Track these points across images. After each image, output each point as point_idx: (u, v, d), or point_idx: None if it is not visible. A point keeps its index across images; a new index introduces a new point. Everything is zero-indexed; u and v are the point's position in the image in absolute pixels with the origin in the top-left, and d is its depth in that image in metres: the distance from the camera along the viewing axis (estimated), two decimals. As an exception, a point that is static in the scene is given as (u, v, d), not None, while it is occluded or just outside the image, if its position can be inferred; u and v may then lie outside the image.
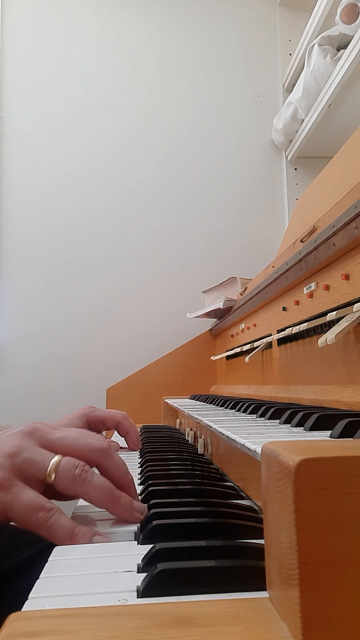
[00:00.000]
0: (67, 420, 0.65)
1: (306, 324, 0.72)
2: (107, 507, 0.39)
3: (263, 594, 0.25)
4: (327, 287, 0.71)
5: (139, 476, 0.57)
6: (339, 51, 1.46)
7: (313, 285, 0.75)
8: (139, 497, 0.46)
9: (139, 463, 0.65)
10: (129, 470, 0.43)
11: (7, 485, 0.36)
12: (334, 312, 0.62)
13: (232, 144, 1.95)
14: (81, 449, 0.41)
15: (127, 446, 0.76)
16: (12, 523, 0.38)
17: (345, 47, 1.38)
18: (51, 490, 0.39)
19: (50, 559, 0.33)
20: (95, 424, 0.70)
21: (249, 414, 0.67)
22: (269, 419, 0.58)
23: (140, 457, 0.70)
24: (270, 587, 0.24)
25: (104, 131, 1.91)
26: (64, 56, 1.93)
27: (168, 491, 0.46)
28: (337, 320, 0.62)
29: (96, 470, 0.42)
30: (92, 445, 0.41)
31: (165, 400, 1.35)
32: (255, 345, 1.02)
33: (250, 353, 1.04)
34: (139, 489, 0.51)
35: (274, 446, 0.23)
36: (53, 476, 0.38)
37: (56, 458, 0.39)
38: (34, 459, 0.39)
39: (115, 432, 0.75)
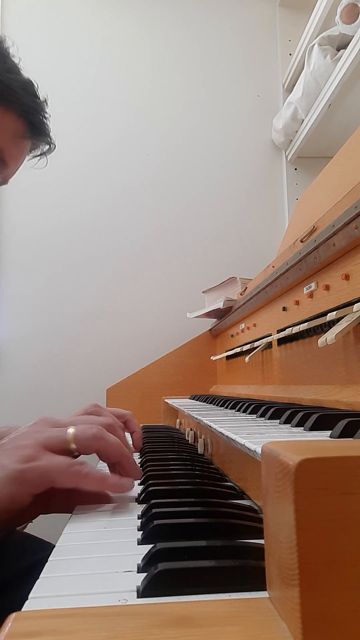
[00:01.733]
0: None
1: (306, 324, 0.72)
2: (119, 461, 0.46)
3: (263, 594, 0.25)
4: (327, 287, 0.71)
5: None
6: (339, 51, 1.46)
7: (313, 285, 0.75)
8: (139, 497, 0.47)
9: (139, 463, 0.65)
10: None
11: (37, 455, 0.42)
12: (334, 312, 0.62)
13: (232, 144, 1.95)
14: (91, 423, 0.47)
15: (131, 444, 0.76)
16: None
17: (345, 47, 1.38)
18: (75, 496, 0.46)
19: (50, 559, 0.33)
20: None
21: (249, 414, 0.67)
22: (269, 419, 0.58)
23: (140, 457, 0.70)
24: (270, 587, 0.24)
25: (103, 131, 1.90)
26: (64, 56, 1.93)
27: (168, 491, 0.46)
28: (337, 320, 0.62)
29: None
30: (100, 421, 0.48)
31: (165, 400, 1.35)
32: (255, 345, 1.02)
33: (250, 353, 1.04)
34: (139, 489, 0.51)
35: (274, 446, 0.23)
36: (74, 443, 0.44)
37: (71, 428, 0.45)
38: (52, 434, 0.44)
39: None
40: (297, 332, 0.77)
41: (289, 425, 0.50)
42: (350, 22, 1.34)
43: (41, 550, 0.64)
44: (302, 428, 0.46)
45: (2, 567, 0.61)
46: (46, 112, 0.80)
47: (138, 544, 0.35)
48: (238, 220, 1.91)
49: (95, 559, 0.33)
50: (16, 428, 0.51)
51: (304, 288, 0.79)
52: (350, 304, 0.61)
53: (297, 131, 1.78)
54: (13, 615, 0.23)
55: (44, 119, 0.80)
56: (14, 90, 0.73)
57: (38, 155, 0.85)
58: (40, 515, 0.49)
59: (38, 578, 0.30)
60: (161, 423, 1.43)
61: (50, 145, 0.85)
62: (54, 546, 0.36)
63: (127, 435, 0.75)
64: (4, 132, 0.74)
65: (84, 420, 0.47)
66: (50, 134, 0.82)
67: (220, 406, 0.88)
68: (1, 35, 0.82)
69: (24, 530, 0.65)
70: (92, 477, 0.42)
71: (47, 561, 0.33)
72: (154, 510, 0.39)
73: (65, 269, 1.82)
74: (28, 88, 0.77)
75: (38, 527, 0.62)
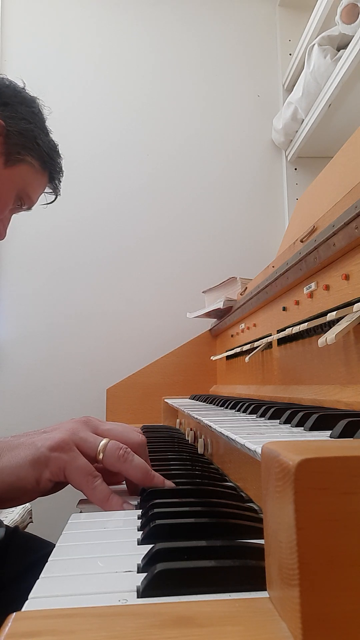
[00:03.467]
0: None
1: (306, 324, 0.72)
2: (143, 483, 0.48)
3: (263, 594, 0.25)
4: (327, 287, 0.70)
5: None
6: (339, 51, 1.46)
7: (313, 285, 0.75)
8: (139, 497, 0.48)
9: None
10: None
11: (67, 449, 0.45)
12: (334, 312, 0.62)
13: (232, 144, 1.95)
14: (124, 440, 0.49)
15: None
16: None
17: (345, 47, 1.38)
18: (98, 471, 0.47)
19: (50, 559, 0.33)
20: None
21: (249, 414, 0.67)
22: (269, 419, 0.58)
23: (140, 457, 0.70)
24: (270, 587, 0.24)
25: (103, 131, 1.90)
26: (64, 56, 1.93)
27: (168, 491, 0.46)
28: (337, 320, 0.62)
29: None
30: (133, 439, 0.51)
31: (165, 400, 1.35)
32: (255, 345, 1.02)
33: (250, 353, 1.04)
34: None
35: (273, 446, 0.23)
36: (101, 455, 0.47)
37: (105, 440, 0.47)
38: (88, 439, 0.47)
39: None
40: (297, 332, 0.77)
41: (289, 425, 0.50)
42: (350, 22, 1.34)
43: (45, 547, 0.64)
44: (302, 428, 0.46)
45: (8, 565, 0.61)
46: (62, 170, 0.94)
47: (138, 544, 0.35)
48: (238, 220, 1.91)
49: (95, 559, 0.33)
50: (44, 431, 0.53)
51: (304, 288, 0.79)
52: (350, 304, 0.61)
53: (297, 131, 1.78)
54: (13, 615, 0.23)
55: (61, 178, 0.95)
56: (50, 157, 0.88)
57: (44, 204, 0.99)
58: (40, 515, 0.50)
59: (36, 576, 0.30)
60: (161, 423, 1.43)
61: (56, 198, 1.00)
62: (55, 545, 0.36)
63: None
64: (39, 189, 0.90)
65: (118, 435, 0.50)
66: (60, 188, 0.95)
67: (220, 406, 0.88)
68: (33, 95, 0.97)
69: (26, 531, 0.66)
70: (98, 492, 0.45)
71: (45, 558, 0.33)
72: (154, 510, 0.39)
73: (65, 269, 1.82)
74: (56, 150, 0.91)
75: (38, 526, 0.62)
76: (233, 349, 1.27)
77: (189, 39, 1.98)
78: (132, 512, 0.44)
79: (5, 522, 0.80)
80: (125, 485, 0.53)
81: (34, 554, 0.63)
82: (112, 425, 0.52)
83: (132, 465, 0.47)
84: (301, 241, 0.80)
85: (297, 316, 0.83)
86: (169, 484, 0.48)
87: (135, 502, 0.47)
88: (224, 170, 1.93)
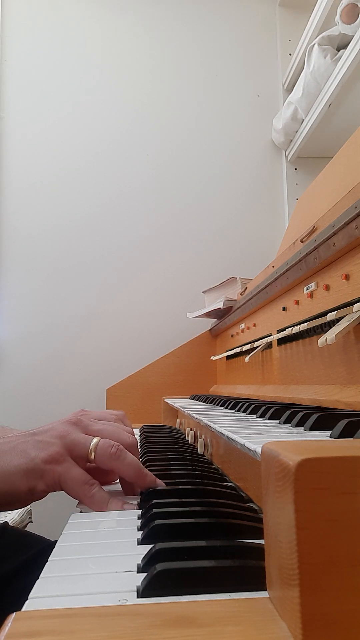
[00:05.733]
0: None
1: (306, 324, 0.72)
2: (135, 481, 0.48)
3: (263, 594, 0.25)
4: (327, 287, 0.70)
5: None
6: (339, 51, 1.46)
7: (313, 285, 0.75)
8: (139, 497, 0.48)
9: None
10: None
11: (61, 460, 0.45)
12: (334, 312, 0.62)
13: (232, 144, 1.95)
14: (116, 440, 0.49)
15: None
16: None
17: (345, 47, 1.38)
18: (91, 472, 0.48)
19: (50, 558, 0.33)
20: None
21: (249, 414, 0.67)
22: (269, 419, 0.58)
23: (140, 457, 0.70)
24: (270, 587, 0.24)
25: (104, 131, 1.90)
26: (64, 56, 1.93)
27: (168, 491, 0.46)
28: (337, 320, 0.62)
29: None
30: (124, 440, 0.50)
31: (165, 400, 1.35)
32: (255, 345, 1.02)
33: (250, 353, 1.04)
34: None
35: (273, 446, 0.23)
36: (93, 454, 0.47)
37: (96, 439, 0.47)
38: (79, 440, 0.47)
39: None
40: (297, 332, 0.77)
41: (289, 425, 0.50)
42: (350, 22, 1.34)
43: (38, 544, 0.64)
44: (302, 428, 0.46)
45: (1, 563, 0.61)
46: None
47: (138, 544, 0.35)
48: (238, 220, 1.91)
49: (95, 559, 0.33)
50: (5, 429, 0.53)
51: (304, 288, 0.79)
52: (350, 304, 0.61)
53: (297, 131, 1.78)
54: (13, 615, 0.23)
55: None
56: None
57: None
58: (40, 515, 0.50)
59: (37, 571, 0.30)
60: (161, 423, 1.43)
61: None
62: (50, 542, 0.36)
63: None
64: None
65: (110, 434, 0.50)
66: None
67: (220, 406, 0.88)
68: None
69: (17, 527, 0.65)
70: (96, 499, 0.45)
71: (45, 553, 0.33)
72: (153, 510, 0.39)
73: (65, 269, 1.82)
74: None
75: (38, 526, 0.62)
76: (233, 349, 1.27)
77: (189, 39, 1.98)
78: (131, 512, 0.44)
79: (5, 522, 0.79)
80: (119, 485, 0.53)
81: (28, 550, 0.63)
82: (104, 425, 0.52)
83: (125, 462, 0.47)
84: (301, 241, 0.80)
85: (297, 316, 0.83)
86: (160, 483, 0.48)
87: (135, 502, 0.47)
88: (223, 170, 1.93)
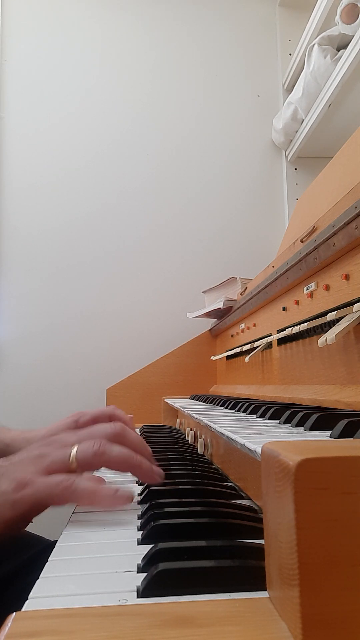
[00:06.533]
0: (55, 428, 0.65)
1: (306, 324, 0.72)
2: (130, 471, 0.44)
3: (263, 594, 0.25)
4: (327, 287, 0.71)
5: (139, 476, 0.57)
6: (339, 51, 1.46)
7: (313, 285, 0.75)
8: (139, 497, 0.47)
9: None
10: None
11: (27, 482, 0.41)
12: (334, 312, 0.62)
13: (232, 144, 1.95)
14: (97, 437, 0.45)
15: None
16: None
17: (345, 47, 1.38)
18: None
19: (50, 558, 0.33)
20: None
21: (249, 414, 0.67)
22: (269, 419, 0.58)
23: (140, 457, 0.70)
24: (270, 587, 0.24)
25: (104, 131, 1.90)
26: (64, 56, 1.93)
27: (168, 491, 0.46)
28: (337, 320, 0.62)
29: None
30: (106, 432, 0.46)
31: (165, 400, 1.35)
32: (255, 345, 1.02)
33: (250, 353, 1.04)
34: (139, 489, 0.51)
35: (273, 446, 0.23)
36: (75, 463, 0.43)
37: (74, 448, 0.43)
38: (56, 458, 0.43)
39: None
40: (297, 332, 0.77)
41: (289, 425, 0.50)
42: (350, 22, 1.34)
43: (38, 544, 0.64)
44: (302, 428, 0.46)
45: (1, 563, 0.61)
46: None
47: (138, 544, 0.35)
48: (238, 220, 1.91)
49: (95, 559, 0.33)
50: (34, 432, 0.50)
51: (304, 288, 0.79)
52: (350, 304, 0.61)
53: (297, 131, 1.78)
54: (13, 615, 0.23)
55: None
56: None
57: None
58: (40, 515, 0.49)
59: (37, 571, 0.30)
60: (161, 423, 1.43)
61: None
62: (50, 542, 0.36)
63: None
64: None
65: (89, 435, 0.46)
66: None
67: (220, 406, 0.88)
68: None
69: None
70: (81, 492, 0.41)
71: (45, 553, 0.33)
72: (154, 510, 0.39)
73: (65, 269, 1.82)
74: None
75: (38, 526, 0.62)
76: (233, 349, 1.27)
77: (189, 39, 1.98)
78: (132, 512, 0.44)
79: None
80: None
81: (28, 550, 0.62)
82: (81, 432, 0.47)
83: (112, 456, 0.43)
84: (301, 241, 0.80)
85: (297, 316, 0.83)
86: (157, 470, 0.45)
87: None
88: (223, 170, 1.93)
